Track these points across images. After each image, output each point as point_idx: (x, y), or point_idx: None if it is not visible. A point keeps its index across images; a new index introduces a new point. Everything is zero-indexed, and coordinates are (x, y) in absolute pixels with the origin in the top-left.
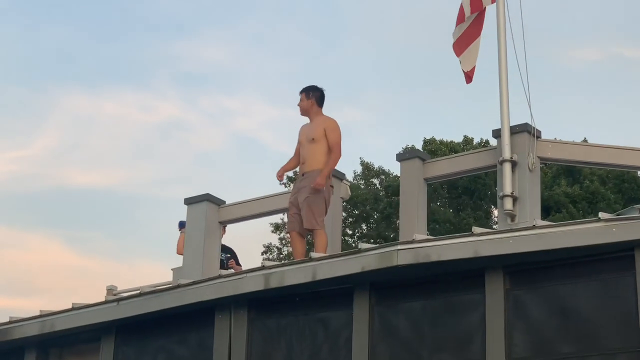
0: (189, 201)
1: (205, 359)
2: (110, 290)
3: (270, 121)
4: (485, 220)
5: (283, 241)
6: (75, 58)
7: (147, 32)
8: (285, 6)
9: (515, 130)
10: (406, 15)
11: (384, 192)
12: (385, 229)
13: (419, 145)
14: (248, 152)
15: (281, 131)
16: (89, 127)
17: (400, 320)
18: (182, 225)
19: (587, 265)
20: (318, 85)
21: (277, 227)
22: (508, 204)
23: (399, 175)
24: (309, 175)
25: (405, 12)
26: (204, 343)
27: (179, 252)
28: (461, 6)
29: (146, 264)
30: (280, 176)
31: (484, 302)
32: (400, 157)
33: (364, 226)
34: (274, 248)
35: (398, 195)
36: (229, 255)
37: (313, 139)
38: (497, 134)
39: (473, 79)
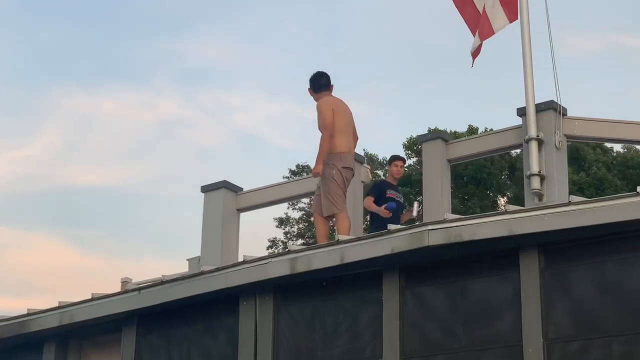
0: (205, 189)
1: (231, 347)
2: (125, 282)
3: (271, 116)
4: (492, 209)
5: (288, 235)
6: (74, 57)
7: (146, 30)
8: (284, 1)
9: (540, 108)
10: (406, 8)
11: None
12: None
13: None
14: (250, 147)
15: (282, 126)
16: (89, 126)
17: (432, 302)
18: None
19: (624, 241)
20: (315, 73)
21: (281, 222)
22: (535, 182)
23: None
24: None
25: (405, 5)
26: (229, 331)
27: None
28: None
29: (150, 262)
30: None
31: (519, 281)
32: (423, 139)
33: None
34: (279, 242)
35: (404, 185)
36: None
37: (319, 127)
38: (522, 112)
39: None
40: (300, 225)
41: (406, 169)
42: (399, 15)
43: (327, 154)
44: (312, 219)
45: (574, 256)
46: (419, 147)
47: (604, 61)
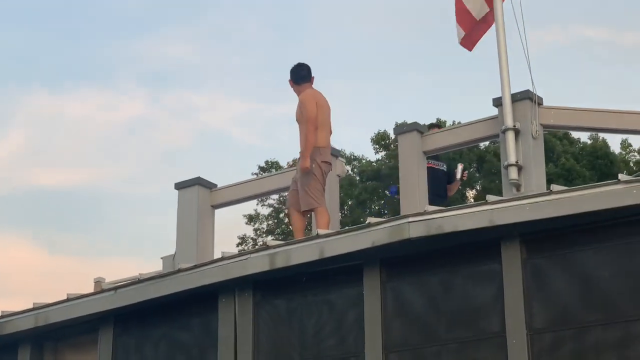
0: (179, 186)
1: (210, 345)
2: (98, 282)
3: (237, 115)
4: (461, 202)
5: (258, 232)
6: (37, 59)
7: (109, 31)
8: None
9: (516, 98)
10: (368, 3)
11: (358, 178)
12: (360, 215)
13: (390, 130)
14: (216, 146)
15: (249, 125)
16: (54, 127)
17: (414, 296)
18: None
19: (607, 230)
20: (295, 64)
21: (250, 218)
22: (513, 173)
23: (372, 160)
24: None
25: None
26: (208, 329)
27: None
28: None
29: (119, 261)
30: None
31: (501, 272)
32: (398, 131)
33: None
34: (249, 239)
35: (373, 180)
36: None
37: (297, 120)
38: (497, 102)
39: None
40: (270, 222)
41: (374, 163)
42: (361, 10)
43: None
44: (283, 214)
45: (556, 246)
46: (387, 141)
47: (567, 53)
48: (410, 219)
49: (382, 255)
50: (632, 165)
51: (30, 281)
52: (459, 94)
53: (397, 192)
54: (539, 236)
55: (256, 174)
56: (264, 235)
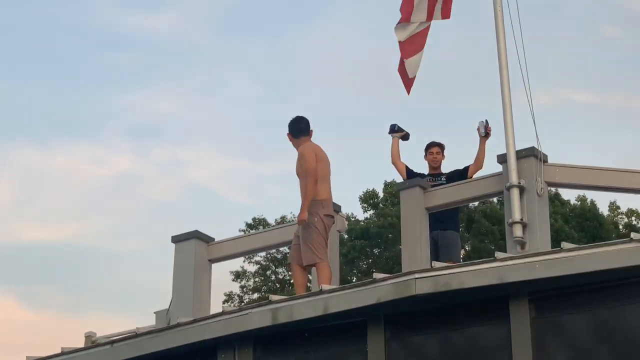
0: (176, 239)
1: None
2: (89, 337)
3: (224, 171)
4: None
5: (244, 289)
6: (24, 112)
7: (97, 85)
8: (234, 56)
9: (521, 155)
10: (354, 63)
11: (347, 236)
12: (348, 274)
13: (379, 189)
14: (203, 202)
15: (235, 181)
16: (40, 181)
17: (419, 353)
18: (393, 129)
19: (616, 289)
20: (294, 117)
21: (237, 276)
22: (518, 230)
23: (360, 219)
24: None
25: (352, 60)
26: None
27: (394, 162)
28: (407, 3)
29: (102, 318)
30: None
31: (509, 331)
32: (400, 186)
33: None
34: (236, 296)
35: (362, 239)
36: None
37: (298, 174)
38: (502, 159)
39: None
40: (257, 279)
41: (362, 222)
42: (351, 66)
43: (311, 200)
44: (270, 271)
45: (565, 304)
46: (376, 200)
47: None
48: (417, 275)
49: (386, 312)
50: (621, 228)
51: (12, 337)
52: (456, 151)
53: (397, 129)
54: (548, 294)
55: (243, 230)
56: (250, 292)
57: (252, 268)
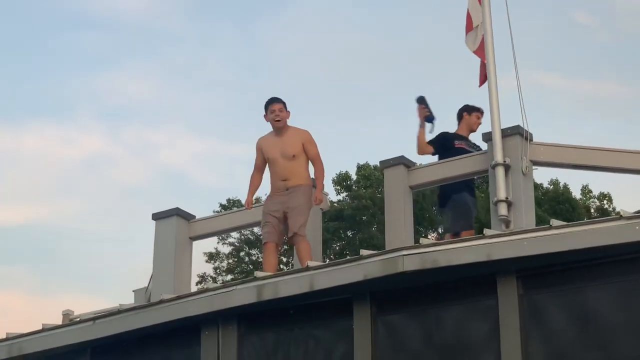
0: (157, 216)
1: None
2: (67, 315)
3: (195, 154)
4: None
5: (217, 270)
6: None
7: (68, 66)
8: (206, 38)
9: (506, 133)
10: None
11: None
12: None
13: (352, 171)
14: (175, 184)
15: (207, 163)
16: (10, 162)
17: (405, 331)
18: (421, 100)
19: (607, 266)
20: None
21: (211, 257)
22: (503, 209)
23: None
24: (295, 190)
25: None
26: None
27: (422, 152)
28: (468, 14)
29: (73, 300)
30: (250, 204)
31: (497, 308)
32: (384, 165)
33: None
34: (209, 277)
35: (335, 220)
36: None
37: (294, 155)
38: (487, 137)
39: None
40: (230, 261)
41: (336, 204)
42: (326, 48)
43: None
44: (244, 252)
45: (553, 282)
46: (349, 182)
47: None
48: (405, 252)
49: (373, 289)
50: (592, 211)
51: None
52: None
53: (423, 102)
54: (536, 272)
55: (217, 212)
56: (224, 274)
57: (225, 250)
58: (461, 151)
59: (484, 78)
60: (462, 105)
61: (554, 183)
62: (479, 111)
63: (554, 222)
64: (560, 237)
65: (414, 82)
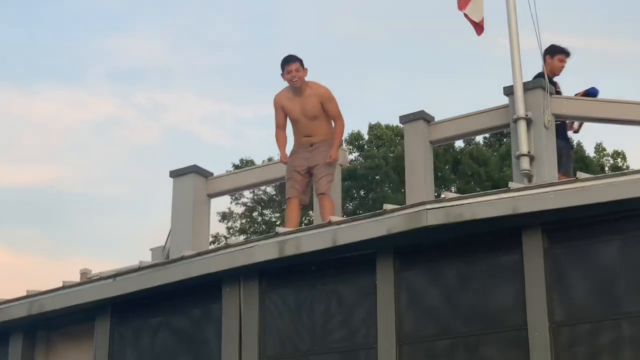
0: (174, 174)
1: (214, 336)
2: (84, 274)
3: (205, 115)
4: None
5: (230, 230)
6: (5, 55)
7: (78, 29)
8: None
9: (528, 87)
10: (337, 6)
11: None
12: None
13: (364, 131)
14: (185, 146)
15: (216, 124)
16: (20, 124)
17: (429, 286)
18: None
19: (631, 219)
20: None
21: (224, 217)
22: (525, 163)
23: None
24: (320, 146)
25: (335, 3)
26: (211, 319)
27: None
28: None
29: (85, 263)
30: (285, 158)
31: (522, 263)
32: (404, 120)
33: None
34: (222, 237)
35: (347, 180)
36: None
37: (315, 116)
38: (509, 91)
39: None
40: (243, 220)
41: (348, 164)
42: (338, 7)
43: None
44: (257, 212)
45: (578, 235)
46: (362, 142)
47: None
48: (429, 206)
49: (396, 244)
50: (606, 169)
51: None
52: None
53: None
54: (561, 225)
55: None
56: (237, 234)
57: (238, 209)
58: None
59: (480, 29)
60: (547, 46)
61: None
62: (563, 53)
63: (580, 174)
64: (586, 190)
65: (425, 40)
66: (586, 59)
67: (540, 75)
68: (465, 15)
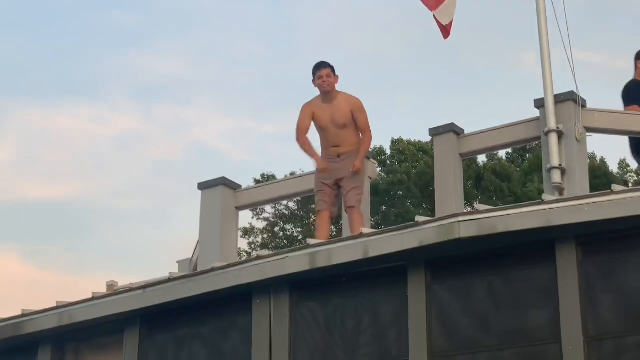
0: (203, 186)
1: (244, 348)
2: (111, 286)
3: (226, 131)
4: None
5: (252, 245)
6: (28, 72)
7: (101, 44)
8: (237, 16)
9: (559, 99)
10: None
11: None
12: None
13: (386, 146)
14: (207, 162)
15: (237, 140)
16: (43, 140)
17: (461, 299)
18: None
19: None
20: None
21: (245, 232)
22: (556, 176)
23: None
24: (347, 157)
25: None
26: (242, 331)
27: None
28: None
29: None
30: (321, 163)
31: (556, 275)
32: (434, 132)
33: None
34: (244, 253)
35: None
36: None
37: (344, 124)
38: (539, 103)
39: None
40: (265, 236)
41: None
42: (359, 23)
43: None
44: (279, 227)
45: (613, 248)
46: (384, 157)
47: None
48: (461, 218)
49: (428, 256)
50: (630, 185)
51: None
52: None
53: None
54: (595, 238)
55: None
56: (259, 249)
57: (260, 225)
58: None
59: (447, 33)
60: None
61: (591, 157)
62: None
63: (615, 187)
64: (621, 203)
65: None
66: (610, 75)
67: (632, 83)
68: (434, 17)
